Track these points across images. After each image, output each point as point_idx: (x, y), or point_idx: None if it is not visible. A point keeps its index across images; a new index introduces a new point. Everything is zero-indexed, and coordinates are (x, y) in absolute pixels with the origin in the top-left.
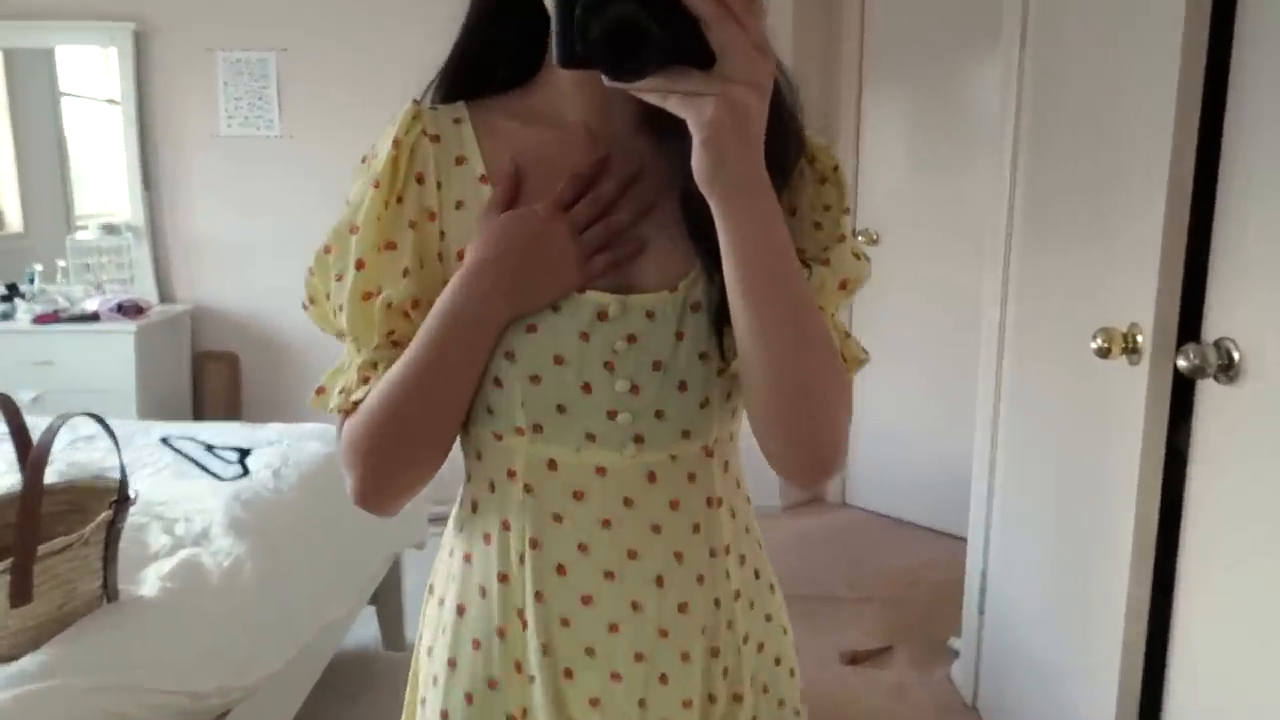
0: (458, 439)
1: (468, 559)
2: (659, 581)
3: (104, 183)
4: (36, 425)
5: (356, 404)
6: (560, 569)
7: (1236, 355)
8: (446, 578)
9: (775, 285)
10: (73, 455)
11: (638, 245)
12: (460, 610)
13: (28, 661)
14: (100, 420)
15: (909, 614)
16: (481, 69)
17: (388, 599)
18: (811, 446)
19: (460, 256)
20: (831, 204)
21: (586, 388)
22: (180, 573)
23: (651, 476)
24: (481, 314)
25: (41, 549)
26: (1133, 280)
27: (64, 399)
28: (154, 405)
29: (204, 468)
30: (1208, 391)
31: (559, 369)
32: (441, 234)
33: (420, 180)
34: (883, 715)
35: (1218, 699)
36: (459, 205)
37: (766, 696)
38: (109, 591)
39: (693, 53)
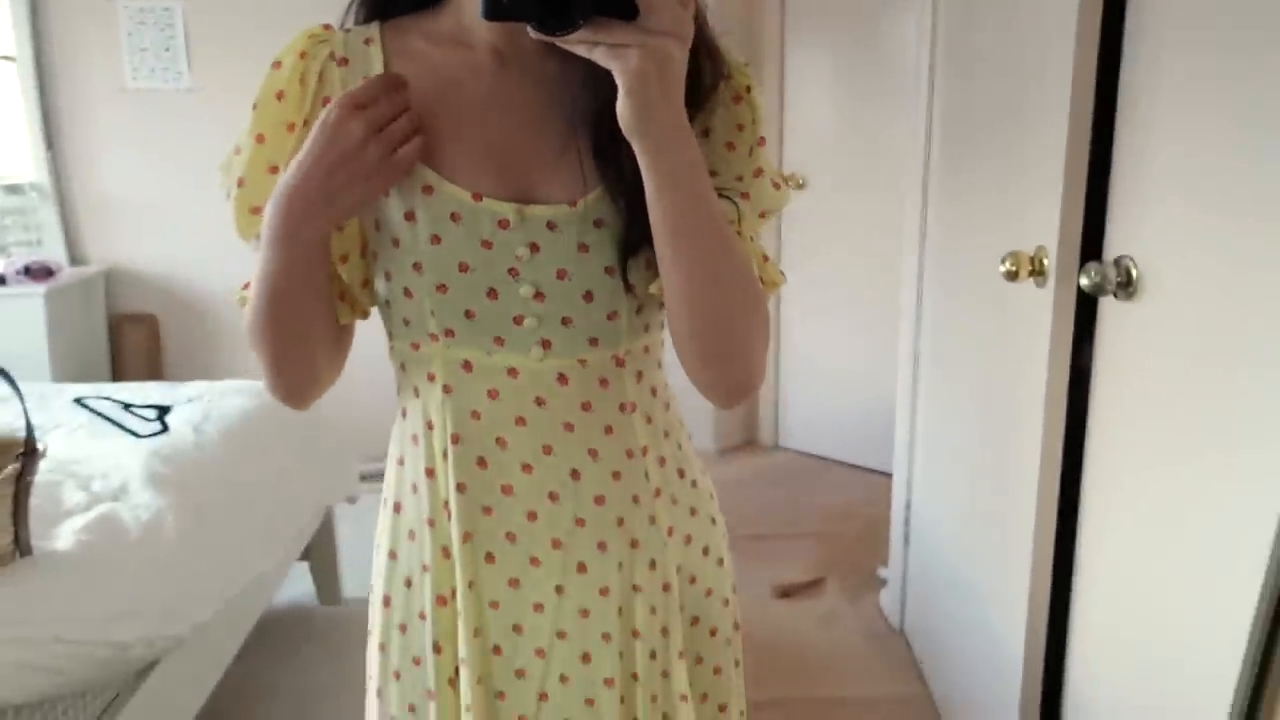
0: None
1: (400, 462)
2: (574, 475)
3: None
4: None
5: None
6: (481, 461)
7: (1135, 273)
8: (389, 483)
9: (695, 225)
10: None
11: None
12: (397, 508)
13: None
14: (2, 372)
15: (840, 548)
16: None
17: (321, 554)
18: (730, 370)
19: None
20: (745, 124)
21: (492, 293)
22: (97, 526)
23: (562, 379)
24: (299, 235)
25: None
26: (1039, 205)
27: None
28: (69, 370)
29: (121, 426)
30: (1109, 309)
31: (465, 276)
32: None
33: (326, 103)
34: (814, 643)
35: (1122, 605)
36: None
37: (694, 586)
38: (21, 547)
39: (617, 6)
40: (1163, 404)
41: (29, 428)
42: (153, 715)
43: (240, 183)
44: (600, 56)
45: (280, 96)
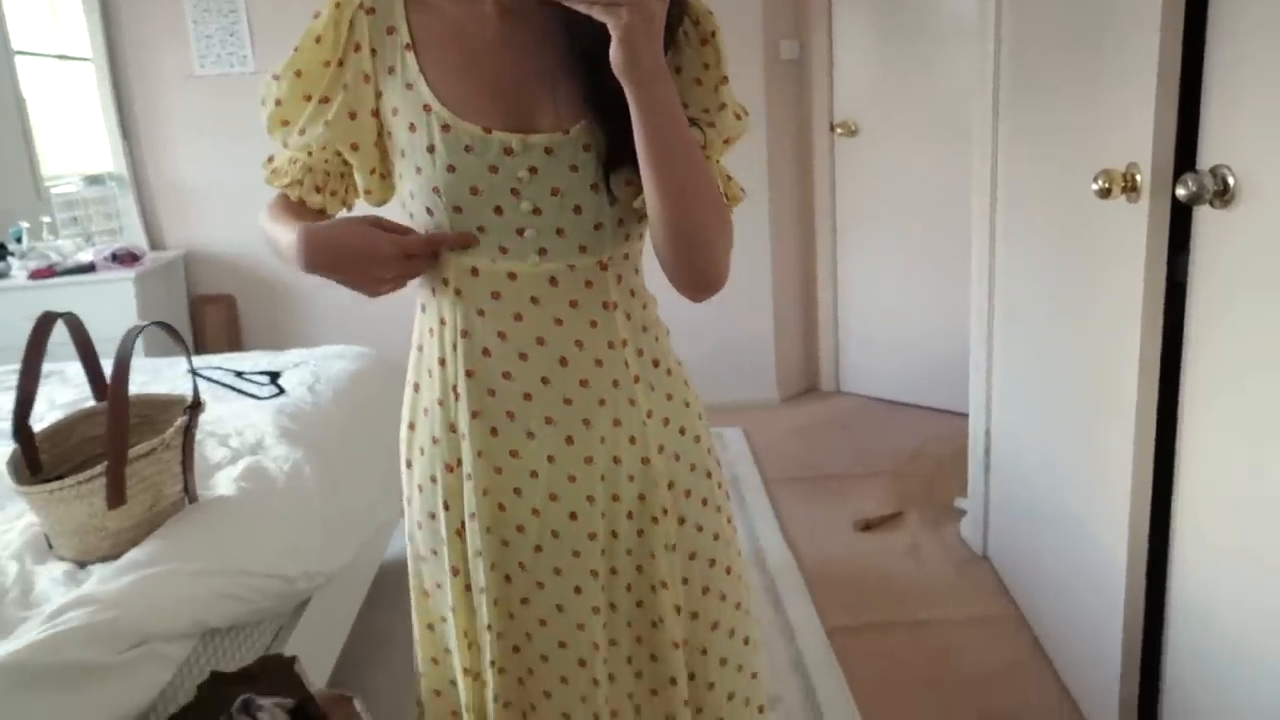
0: None
1: (420, 349)
2: (563, 362)
3: (75, 137)
4: (48, 375)
5: (283, 186)
6: (486, 351)
7: (1231, 180)
8: (411, 367)
9: (673, 148)
10: None
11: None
12: (416, 387)
13: (136, 553)
14: (169, 328)
15: (915, 484)
16: None
17: None
18: (701, 268)
19: (395, 112)
20: (710, 64)
21: (498, 210)
22: (250, 475)
23: (553, 281)
24: (305, 269)
25: (130, 453)
26: (1128, 121)
27: (71, 350)
28: (156, 349)
29: (240, 391)
30: (1205, 219)
31: (475, 198)
32: (379, 93)
33: (358, 49)
34: (902, 571)
35: (1225, 513)
36: (390, 71)
37: (678, 463)
38: (190, 494)
39: None
40: (1263, 311)
41: (195, 385)
42: (310, 645)
43: (278, 102)
44: (597, 13)
45: (318, 40)
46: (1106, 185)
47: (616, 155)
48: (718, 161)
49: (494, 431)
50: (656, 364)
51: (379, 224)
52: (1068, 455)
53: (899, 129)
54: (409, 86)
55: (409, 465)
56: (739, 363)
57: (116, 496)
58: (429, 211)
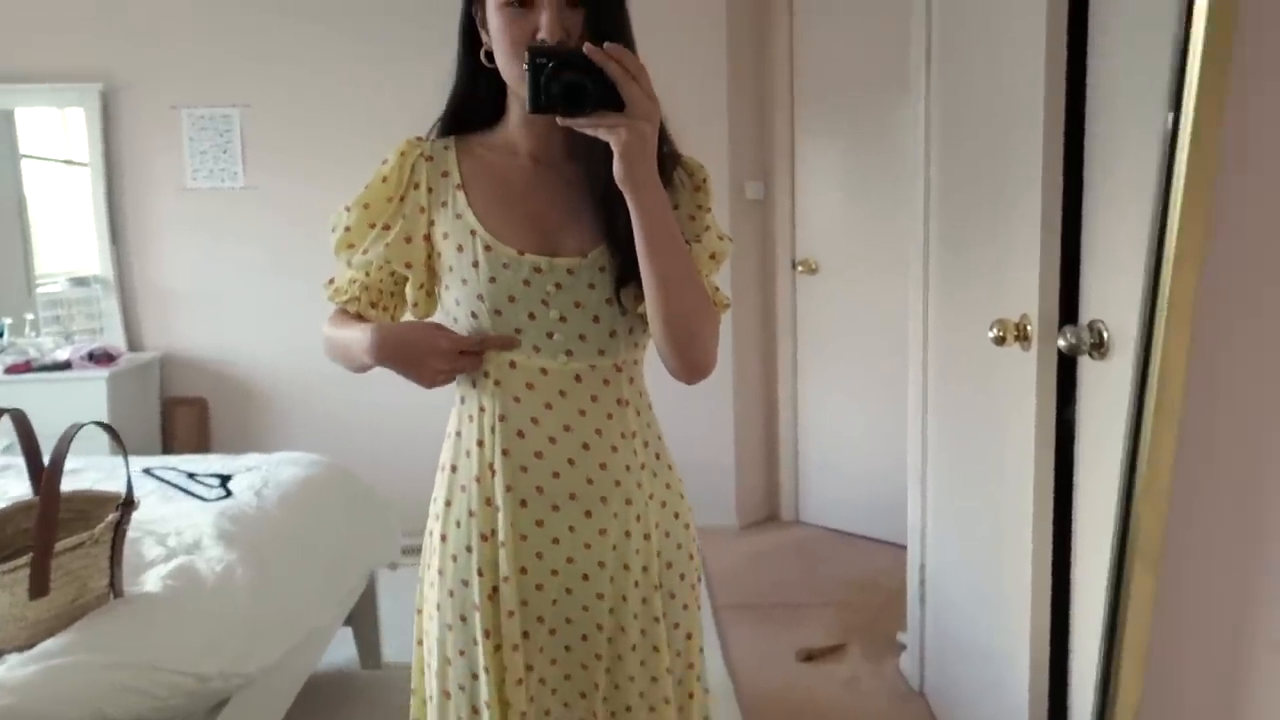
0: None
1: (458, 434)
2: (585, 447)
3: (67, 239)
4: (6, 468)
5: (342, 302)
6: (520, 434)
7: (1106, 334)
8: (447, 450)
9: (666, 244)
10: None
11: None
12: (453, 468)
13: (49, 643)
14: (108, 428)
15: (861, 615)
16: (464, 116)
17: (364, 618)
18: (691, 355)
19: (445, 236)
20: (702, 204)
21: (531, 316)
22: (179, 574)
23: (578, 378)
24: (373, 363)
25: (57, 546)
26: (1021, 278)
27: (40, 445)
28: (127, 448)
29: (188, 492)
30: (1087, 368)
31: (512, 305)
32: (432, 222)
33: (416, 187)
34: (839, 705)
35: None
36: (444, 204)
37: (668, 539)
38: (115, 589)
39: (613, 101)
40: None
41: (129, 483)
42: None
43: (347, 228)
44: (602, 134)
45: (384, 180)
46: (1001, 334)
47: (625, 275)
48: (706, 276)
49: (523, 503)
50: (659, 456)
51: (438, 326)
52: (981, 591)
53: (857, 267)
54: (458, 216)
55: (444, 539)
56: (700, 489)
57: (39, 587)
58: (473, 315)
